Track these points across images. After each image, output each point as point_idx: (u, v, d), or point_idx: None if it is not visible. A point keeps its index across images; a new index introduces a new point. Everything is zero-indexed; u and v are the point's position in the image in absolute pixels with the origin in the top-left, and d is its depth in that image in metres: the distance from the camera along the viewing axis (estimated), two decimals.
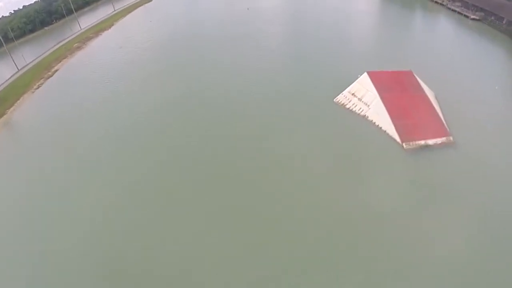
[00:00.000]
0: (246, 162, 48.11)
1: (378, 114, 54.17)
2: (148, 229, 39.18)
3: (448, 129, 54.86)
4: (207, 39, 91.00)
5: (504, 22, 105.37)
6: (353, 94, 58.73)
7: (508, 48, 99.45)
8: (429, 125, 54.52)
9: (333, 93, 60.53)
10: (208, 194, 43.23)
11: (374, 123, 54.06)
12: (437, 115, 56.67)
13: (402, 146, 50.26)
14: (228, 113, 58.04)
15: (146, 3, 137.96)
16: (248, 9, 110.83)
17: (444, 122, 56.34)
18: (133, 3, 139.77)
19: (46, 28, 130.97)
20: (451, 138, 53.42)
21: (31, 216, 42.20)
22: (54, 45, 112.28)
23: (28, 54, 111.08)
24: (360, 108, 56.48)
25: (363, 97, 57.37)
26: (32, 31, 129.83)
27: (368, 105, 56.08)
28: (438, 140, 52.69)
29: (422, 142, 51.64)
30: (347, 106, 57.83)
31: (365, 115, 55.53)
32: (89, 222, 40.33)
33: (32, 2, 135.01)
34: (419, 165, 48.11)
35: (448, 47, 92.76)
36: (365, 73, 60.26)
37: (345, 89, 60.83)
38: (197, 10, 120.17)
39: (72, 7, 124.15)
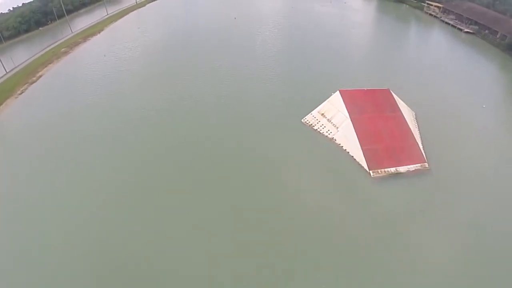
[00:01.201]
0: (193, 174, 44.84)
1: (347, 138, 48.38)
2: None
3: (424, 155, 49.03)
4: (188, 49, 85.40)
5: (498, 36, 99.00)
6: (322, 114, 52.94)
7: (500, 63, 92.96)
8: (402, 150, 48.71)
9: (303, 112, 54.44)
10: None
11: (342, 147, 48.28)
12: (413, 138, 50.79)
13: (370, 174, 44.20)
14: (184, 131, 52.63)
15: (139, 7, 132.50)
16: (235, 18, 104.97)
17: (421, 146, 50.47)
18: (127, 7, 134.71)
19: (40, 28, 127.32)
20: (426, 165, 47.67)
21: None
22: (43, 49, 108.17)
23: (19, 56, 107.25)
24: (328, 130, 50.67)
25: (333, 118, 51.58)
26: (27, 31, 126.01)
27: (337, 127, 50.28)
28: (411, 167, 46.84)
29: (393, 169, 45.84)
30: (315, 128, 52.01)
31: (333, 138, 49.64)
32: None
33: None
34: (383, 195, 42.57)
35: (438, 62, 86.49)
36: (337, 92, 54.20)
37: (316, 108, 54.53)
38: (188, 18, 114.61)
39: (64, 10, 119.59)
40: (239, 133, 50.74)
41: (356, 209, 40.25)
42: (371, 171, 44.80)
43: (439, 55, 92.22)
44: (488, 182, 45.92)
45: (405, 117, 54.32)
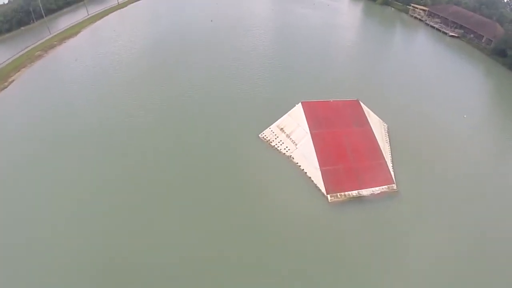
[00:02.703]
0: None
1: (305, 156, 41.67)
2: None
3: (392, 175, 42.44)
4: (156, 58, 77.34)
5: (483, 40, 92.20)
6: (281, 129, 46.09)
7: (485, 68, 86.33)
8: (367, 170, 42.25)
9: (262, 126, 47.48)
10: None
11: (300, 167, 41.37)
12: (381, 156, 44.15)
13: (327, 199, 37.45)
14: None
15: (120, 8, 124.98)
16: (211, 21, 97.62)
17: (390, 164, 43.86)
18: (108, 7, 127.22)
19: (22, 28, 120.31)
20: (394, 186, 41.05)
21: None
22: (19, 52, 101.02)
23: None
24: (286, 147, 43.87)
25: (292, 134, 44.80)
26: (9, 30, 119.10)
27: (296, 144, 43.56)
28: (376, 190, 40.25)
29: (354, 192, 39.25)
30: (273, 144, 45.14)
31: (290, 156, 42.71)
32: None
33: None
34: (337, 223, 36.25)
35: (419, 68, 79.70)
36: (299, 104, 47.29)
37: (276, 121, 47.59)
38: (164, 21, 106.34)
39: (42, 10, 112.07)
40: (186, 147, 43.69)
41: (305, 240, 34.09)
42: (328, 195, 38.23)
43: (422, 60, 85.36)
44: (465, 208, 39.17)
45: (375, 131, 47.62)
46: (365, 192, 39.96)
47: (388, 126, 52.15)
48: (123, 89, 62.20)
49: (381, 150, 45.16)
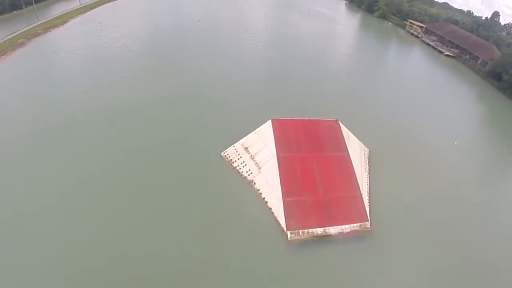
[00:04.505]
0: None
1: (268, 183, 34.67)
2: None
3: (367, 211, 35.37)
4: (134, 59, 69.55)
5: (479, 62, 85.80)
6: (246, 148, 38.96)
7: (479, 91, 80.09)
8: (339, 204, 35.43)
9: (229, 142, 40.28)
10: None
11: (261, 195, 34.21)
12: (357, 187, 37.29)
13: (287, 236, 30.39)
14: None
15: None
16: (200, 21, 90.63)
17: (367, 198, 37.23)
18: None
19: (14, 12, 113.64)
20: (367, 224, 34.35)
21: None
22: (3, 38, 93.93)
23: None
24: (249, 170, 36.76)
25: (257, 155, 37.72)
26: (1, 13, 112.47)
27: (260, 168, 36.50)
28: (346, 228, 33.47)
29: (320, 230, 32.49)
30: (234, 165, 37.93)
31: (252, 180, 35.52)
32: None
33: None
34: (293, 268, 29.46)
35: (411, 88, 73.29)
36: (269, 121, 40.15)
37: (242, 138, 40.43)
38: (155, 18, 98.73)
39: None
40: (135, 161, 36.50)
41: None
42: (288, 232, 31.22)
43: (414, 78, 78.88)
44: (450, 260, 32.60)
45: (353, 156, 40.79)
46: (332, 230, 33.10)
47: (369, 151, 45.29)
48: (91, 87, 55.30)
49: (357, 180, 38.37)
